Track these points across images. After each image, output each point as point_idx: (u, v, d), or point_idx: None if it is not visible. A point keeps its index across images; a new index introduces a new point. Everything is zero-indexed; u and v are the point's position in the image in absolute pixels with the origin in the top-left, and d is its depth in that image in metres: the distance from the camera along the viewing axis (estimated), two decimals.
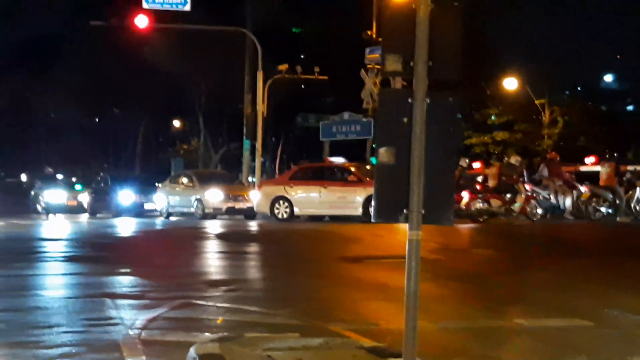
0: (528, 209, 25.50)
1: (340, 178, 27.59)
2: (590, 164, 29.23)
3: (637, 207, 25.89)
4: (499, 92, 46.42)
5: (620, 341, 8.05)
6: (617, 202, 25.67)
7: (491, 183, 26.28)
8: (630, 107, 58.69)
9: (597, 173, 27.00)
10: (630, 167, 29.49)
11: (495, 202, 25.57)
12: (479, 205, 25.49)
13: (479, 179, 30.55)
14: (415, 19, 6.34)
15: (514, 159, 28.16)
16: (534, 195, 25.98)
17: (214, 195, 30.21)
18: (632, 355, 7.25)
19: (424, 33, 6.36)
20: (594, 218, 25.57)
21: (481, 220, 25.00)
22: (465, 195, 25.54)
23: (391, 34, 6.56)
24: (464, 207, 25.44)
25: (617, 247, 18.17)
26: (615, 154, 29.89)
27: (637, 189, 26.01)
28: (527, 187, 25.97)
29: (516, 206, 25.42)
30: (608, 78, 55.74)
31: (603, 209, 25.81)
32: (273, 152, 56.49)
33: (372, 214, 6.34)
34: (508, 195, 25.66)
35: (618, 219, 25.34)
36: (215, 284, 12.07)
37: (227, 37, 40.06)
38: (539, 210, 25.60)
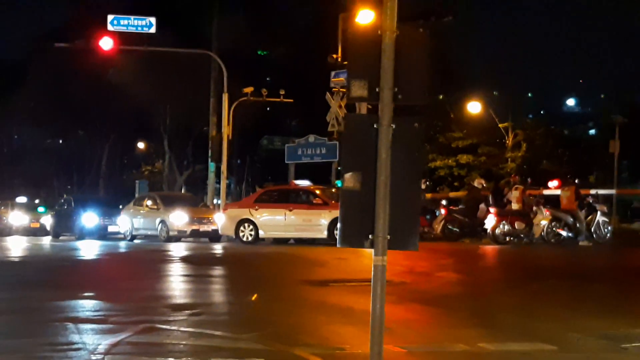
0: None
1: (305, 201, 27.58)
2: (553, 187, 29.46)
3: (598, 232, 26.14)
4: (463, 116, 46.75)
5: None
6: (578, 225, 25.91)
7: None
8: (592, 131, 59.40)
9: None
10: (592, 191, 29.78)
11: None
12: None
13: (444, 202, 30.73)
14: (381, 45, 6.37)
15: (478, 182, 28.31)
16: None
17: (179, 218, 30.08)
18: None
19: (389, 59, 6.39)
20: (555, 242, 25.79)
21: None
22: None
23: (356, 60, 6.60)
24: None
25: (579, 271, 18.31)
26: (576, 178, 30.10)
27: (598, 212, 26.28)
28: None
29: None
30: (570, 102, 56.44)
31: (564, 233, 26.05)
32: (238, 174, 56.40)
33: (337, 238, 6.36)
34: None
35: (580, 242, 25.56)
36: (179, 307, 11.98)
37: (192, 59, 40.07)
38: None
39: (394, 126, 6.40)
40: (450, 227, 28.22)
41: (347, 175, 6.45)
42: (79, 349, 8.74)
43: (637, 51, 73.98)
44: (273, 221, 27.36)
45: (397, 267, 16.27)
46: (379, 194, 6.27)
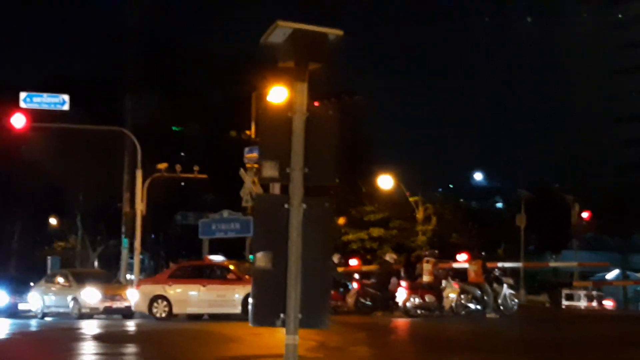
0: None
1: (219, 276, 27.60)
2: (462, 260, 30.10)
3: (505, 304, 26.76)
4: (375, 190, 47.47)
5: None
6: (485, 298, 26.48)
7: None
8: (499, 205, 60.76)
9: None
10: (498, 264, 30.51)
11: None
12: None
13: (356, 276, 31.07)
14: (291, 127, 6.65)
15: (389, 256, 28.74)
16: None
17: (91, 295, 29.72)
18: None
19: (299, 141, 6.68)
20: (464, 314, 26.29)
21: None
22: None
23: (268, 141, 6.89)
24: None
25: (486, 344, 18.67)
26: (485, 252, 30.85)
27: (504, 285, 26.94)
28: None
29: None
30: (478, 176, 57.76)
31: (472, 305, 26.57)
32: (152, 249, 55.93)
33: (249, 317, 6.57)
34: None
35: (487, 315, 26.10)
36: None
37: (106, 135, 39.99)
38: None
39: (304, 206, 6.65)
40: (362, 300, 28.51)
41: (259, 255, 6.69)
42: None
43: (540, 127, 76.48)
44: (187, 297, 27.24)
45: (310, 342, 16.40)
46: (290, 274, 6.51)
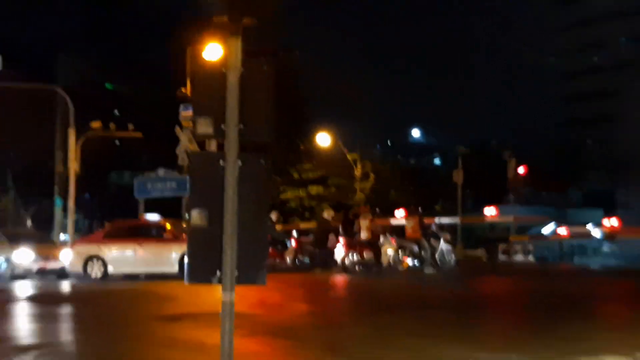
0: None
1: (155, 235, 27.32)
2: (400, 217, 30.24)
3: (442, 259, 27.00)
4: (313, 148, 47.40)
5: None
6: (423, 254, 26.69)
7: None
8: (437, 161, 61.22)
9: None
10: (436, 220, 30.75)
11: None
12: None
13: (294, 233, 31.08)
14: (226, 83, 6.49)
15: (327, 214, 28.74)
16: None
17: (24, 256, 29.21)
18: None
19: (234, 97, 6.52)
20: (401, 270, 26.47)
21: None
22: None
23: (202, 97, 6.71)
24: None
25: (425, 300, 18.81)
26: (422, 208, 31.02)
27: (441, 241, 27.15)
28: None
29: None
30: (416, 133, 57.90)
31: (409, 261, 26.76)
32: (88, 210, 55.28)
33: (185, 275, 6.41)
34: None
35: (425, 270, 26.30)
36: (24, 348, 11.69)
37: (38, 94, 39.24)
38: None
39: (240, 163, 6.51)
40: (301, 258, 28.53)
41: (194, 212, 6.53)
42: None
43: (478, 84, 77.01)
44: (123, 256, 26.96)
45: (248, 299, 16.32)
46: (226, 231, 6.37)
